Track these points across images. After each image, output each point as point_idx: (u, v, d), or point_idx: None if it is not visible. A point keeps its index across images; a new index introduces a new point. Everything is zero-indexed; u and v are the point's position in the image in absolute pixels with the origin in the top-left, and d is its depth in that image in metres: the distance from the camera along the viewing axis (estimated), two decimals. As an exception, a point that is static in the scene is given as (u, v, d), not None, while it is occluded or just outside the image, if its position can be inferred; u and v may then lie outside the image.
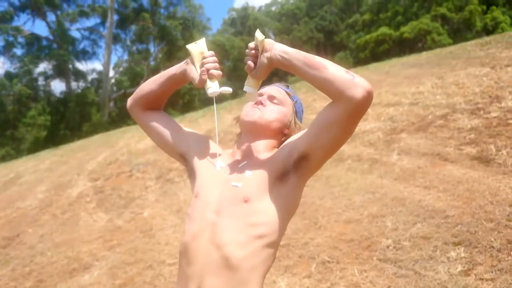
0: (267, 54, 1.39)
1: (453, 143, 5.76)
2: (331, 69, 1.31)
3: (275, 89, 1.67)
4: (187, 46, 1.52)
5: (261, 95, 1.63)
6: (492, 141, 5.47)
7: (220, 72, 1.45)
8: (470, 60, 9.65)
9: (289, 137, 1.54)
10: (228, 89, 1.46)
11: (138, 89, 1.67)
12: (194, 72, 1.48)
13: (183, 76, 1.54)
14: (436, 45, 21.79)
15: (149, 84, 1.64)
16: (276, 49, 1.38)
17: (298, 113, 1.69)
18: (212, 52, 1.49)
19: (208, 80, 1.44)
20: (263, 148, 1.56)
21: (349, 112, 1.30)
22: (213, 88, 1.44)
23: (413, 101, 8.02)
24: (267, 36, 1.40)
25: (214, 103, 1.59)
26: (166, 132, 1.64)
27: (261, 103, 1.60)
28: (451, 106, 7.06)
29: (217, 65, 1.46)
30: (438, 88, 8.31)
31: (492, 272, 3.13)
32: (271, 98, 1.63)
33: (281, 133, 1.61)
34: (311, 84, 1.37)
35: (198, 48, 1.51)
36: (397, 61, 13.21)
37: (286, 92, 1.68)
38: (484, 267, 3.22)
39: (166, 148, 1.67)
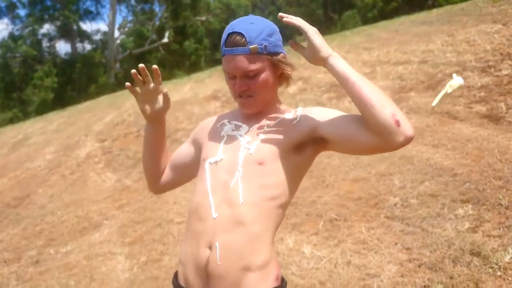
0: (322, 54, 1.31)
1: (463, 102, 5.69)
2: (377, 107, 1.22)
3: (239, 61, 1.36)
4: None
5: (233, 77, 1.40)
6: (502, 99, 5.39)
7: None
8: (482, 17, 9.42)
9: (284, 72, 1.42)
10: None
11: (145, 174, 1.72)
12: None
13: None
14: (447, 2, 21.25)
15: (144, 165, 1.69)
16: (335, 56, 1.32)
17: (274, 51, 1.39)
18: None
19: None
20: (268, 111, 1.49)
21: (381, 148, 1.27)
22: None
23: (422, 59, 7.89)
24: None
25: None
26: (184, 170, 1.64)
27: (245, 91, 1.40)
28: (461, 64, 6.94)
29: None
30: (448, 45, 8.15)
31: (500, 229, 3.14)
32: (245, 76, 1.38)
33: (276, 86, 1.48)
34: None
35: None
36: (407, 19, 12.94)
37: (250, 50, 1.35)
38: (492, 224, 3.22)
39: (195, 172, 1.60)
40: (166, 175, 1.68)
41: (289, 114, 1.46)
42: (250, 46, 1.33)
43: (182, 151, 1.67)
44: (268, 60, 1.38)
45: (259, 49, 1.34)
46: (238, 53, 1.34)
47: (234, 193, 1.35)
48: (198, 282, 1.35)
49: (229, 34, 1.36)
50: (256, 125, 1.46)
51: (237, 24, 1.37)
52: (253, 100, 1.42)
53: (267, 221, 1.36)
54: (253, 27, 1.36)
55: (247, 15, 1.45)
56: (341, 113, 1.37)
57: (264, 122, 1.46)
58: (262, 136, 1.41)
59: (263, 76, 1.38)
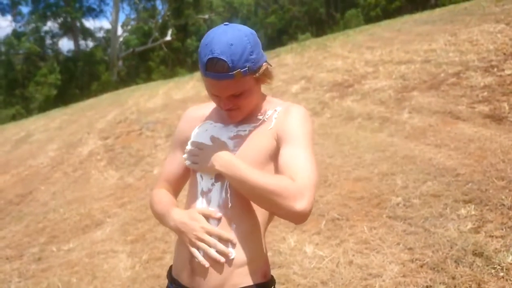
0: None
1: (465, 101, 5.68)
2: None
3: (223, 87, 1.33)
4: None
5: (216, 96, 1.38)
6: (505, 99, 5.38)
7: None
8: (485, 16, 9.41)
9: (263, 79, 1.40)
10: None
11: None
12: None
13: None
14: (450, 1, 21.21)
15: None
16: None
17: (257, 66, 1.34)
18: None
19: None
20: (251, 112, 1.47)
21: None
22: None
23: (425, 59, 7.88)
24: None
25: None
26: (186, 179, 1.60)
27: (233, 107, 1.39)
28: (464, 64, 6.93)
29: None
30: (451, 45, 8.14)
31: (502, 230, 3.13)
32: (230, 97, 1.36)
33: (260, 89, 1.46)
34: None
35: None
36: (410, 18, 12.93)
37: (234, 76, 1.29)
38: (494, 224, 3.21)
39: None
40: (176, 193, 1.65)
41: (267, 116, 1.45)
42: (234, 72, 1.28)
43: (176, 166, 1.62)
44: (252, 78, 1.35)
45: (243, 73, 1.29)
46: (222, 79, 1.30)
47: (223, 197, 1.39)
48: (186, 275, 1.41)
49: (210, 59, 1.28)
50: (236, 129, 1.46)
51: (216, 47, 1.27)
52: (240, 112, 1.42)
53: (256, 220, 1.40)
54: (234, 49, 1.27)
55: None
56: (301, 153, 1.32)
57: (244, 126, 1.45)
58: (243, 144, 1.42)
59: (249, 92, 1.37)
